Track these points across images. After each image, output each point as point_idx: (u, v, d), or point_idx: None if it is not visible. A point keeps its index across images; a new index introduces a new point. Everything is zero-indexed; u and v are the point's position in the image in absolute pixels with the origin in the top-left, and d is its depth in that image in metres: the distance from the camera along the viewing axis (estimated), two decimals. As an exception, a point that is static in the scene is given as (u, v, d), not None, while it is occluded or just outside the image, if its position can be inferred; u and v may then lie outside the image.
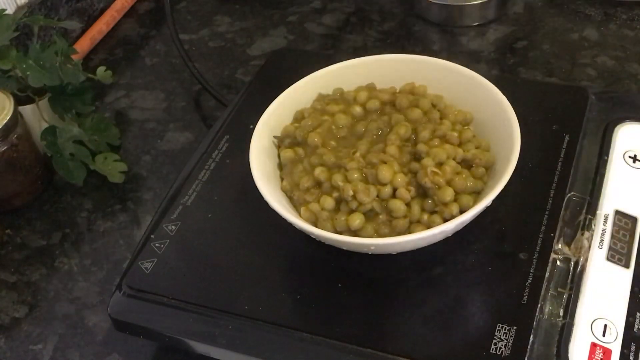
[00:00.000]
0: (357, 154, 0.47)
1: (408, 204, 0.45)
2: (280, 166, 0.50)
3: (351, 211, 0.45)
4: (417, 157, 0.46)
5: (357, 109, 0.50)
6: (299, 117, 0.52)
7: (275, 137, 0.51)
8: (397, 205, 0.44)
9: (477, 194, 0.46)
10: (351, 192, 0.44)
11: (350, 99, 0.51)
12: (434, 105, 0.50)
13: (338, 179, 0.45)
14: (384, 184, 0.45)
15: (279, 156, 0.50)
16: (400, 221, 0.44)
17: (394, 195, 0.45)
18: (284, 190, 0.48)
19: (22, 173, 0.63)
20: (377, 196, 0.45)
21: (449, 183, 0.45)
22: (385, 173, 0.44)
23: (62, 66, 0.63)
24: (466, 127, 0.49)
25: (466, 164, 0.46)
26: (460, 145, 0.47)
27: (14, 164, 0.61)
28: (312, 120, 0.50)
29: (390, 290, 0.45)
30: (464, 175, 0.45)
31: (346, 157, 0.47)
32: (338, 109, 0.51)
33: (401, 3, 0.81)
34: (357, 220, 0.44)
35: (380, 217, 0.45)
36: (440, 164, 0.45)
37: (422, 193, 0.45)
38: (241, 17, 0.84)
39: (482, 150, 0.48)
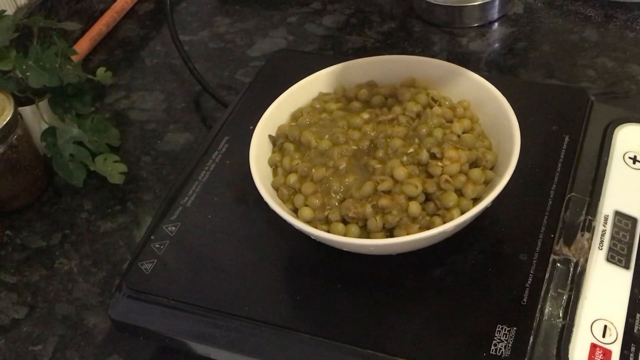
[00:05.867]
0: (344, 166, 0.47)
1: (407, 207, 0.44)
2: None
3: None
4: (422, 161, 0.46)
5: (357, 105, 0.50)
6: (296, 116, 0.52)
7: (270, 135, 0.50)
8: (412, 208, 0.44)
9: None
10: (336, 204, 0.45)
11: (351, 96, 0.51)
12: (434, 100, 0.50)
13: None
14: (396, 182, 0.45)
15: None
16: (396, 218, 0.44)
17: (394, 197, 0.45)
18: (274, 187, 0.48)
19: (22, 174, 0.63)
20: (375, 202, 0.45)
21: (457, 190, 0.45)
22: (399, 171, 0.45)
23: (62, 67, 0.63)
24: (476, 123, 0.49)
25: (473, 165, 0.46)
26: (470, 149, 0.47)
27: (13, 165, 0.61)
28: (309, 118, 0.50)
29: (390, 291, 0.45)
30: (471, 182, 0.45)
31: (340, 157, 0.47)
32: (337, 106, 0.51)
33: (401, 4, 0.81)
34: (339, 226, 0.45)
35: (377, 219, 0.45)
36: (451, 162, 0.45)
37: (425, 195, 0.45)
38: (241, 18, 0.84)
39: (487, 149, 0.48)
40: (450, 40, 0.75)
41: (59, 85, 0.62)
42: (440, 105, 0.50)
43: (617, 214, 0.47)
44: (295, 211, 0.46)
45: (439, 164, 0.45)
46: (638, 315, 0.43)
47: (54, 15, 0.78)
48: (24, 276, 0.59)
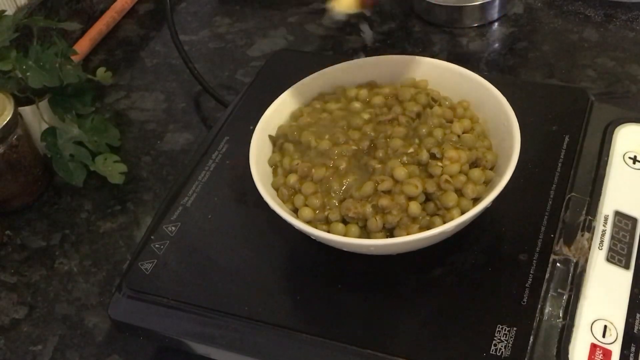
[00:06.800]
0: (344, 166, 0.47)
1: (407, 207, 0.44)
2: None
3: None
4: (422, 161, 0.46)
5: (357, 105, 0.50)
6: (296, 116, 0.52)
7: (270, 135, 0.50)
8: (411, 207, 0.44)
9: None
10: (336, 204, 0.45)
11: (352, 96, 0.52)
12: (434, 100, 0.50)
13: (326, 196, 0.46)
14: (396, 182, 0.45)
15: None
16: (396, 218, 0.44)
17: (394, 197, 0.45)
18: (274, 187, 0.48)
19: (22, 174, 0.63)
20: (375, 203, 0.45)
21: (457, 190, 0.45)
22: (399, 171, 0.45)
23: (62, 67, 0.63)
24: (476, 123, 0.49)
25: (473, 165, 0.46)
26: (470, 149, 0.47)
27: (13, 165, 0.61)
28: (309, 118, 0.50)
29: (390, 291, 0.45)
30: (471, 182, 0.45)
31: (340, 157, 0.47)
32: (337, 106, 0.51)
33: (401, 4, 0.81)
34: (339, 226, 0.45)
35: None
36: (451, 162, 0.45)
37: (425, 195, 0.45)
38: (241, 18, 0.84)
39: (487, 149, 0.48)
40: (450, 40, 0.75)
41: (59, 85, 0.62)
42: (440, 105, 0.50)
43: (617, 214, 0.47)
44: (295, 211, 0.46)
45: (439, 164, 0.45)
46: (638, 315, 0.43)
47: (54, 15, 0.78)
48: (24, 276, 0.59)
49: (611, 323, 0.42)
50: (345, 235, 0.44)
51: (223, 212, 0.51)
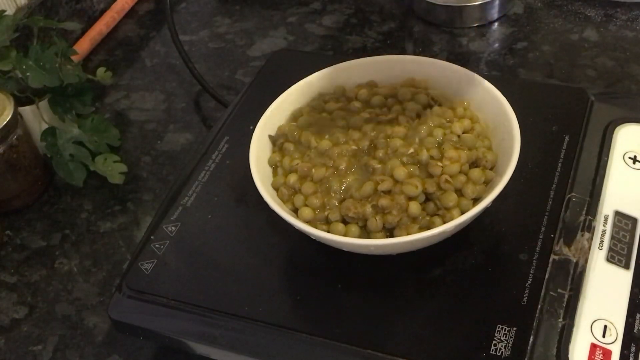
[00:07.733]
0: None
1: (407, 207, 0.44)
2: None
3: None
4: (422, 161, 0.46)
5: (357, 105, 0.50)
6: (296, 116, 0.52)
7: (270, 135, 0.50)
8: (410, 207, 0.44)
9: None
10: (336, 203, 0.45)
11: (351, 96, 0.52)
12: (434, 100, 0.50)
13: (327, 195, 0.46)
14: (395, 182, 0.45)
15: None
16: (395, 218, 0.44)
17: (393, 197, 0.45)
18: (274, 187, 0.48)
19: (22, 174, 0.63)
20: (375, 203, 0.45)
21: (457, 190, 0.45)
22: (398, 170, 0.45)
23: (62, 67, 0.63)
24: (476, 123, 0.49)
25: (473, 165, 0.46)
26: (470, 149, 0.47)
27: (13, 165, 0.61)
28: (309, 118, 0.50)
29: (390, 291, 0.45)
30: (471, 182, 0.45)
31: (340, 157, 0.47)
32: (337, 106, 0.51)
33: (401, 4, 0.81)
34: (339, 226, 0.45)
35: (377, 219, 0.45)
36: (451, 162, 0.45)
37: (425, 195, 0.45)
38: (241, 18, 0.84)
39: (487, 149, 0.48)
40: (450, 40, 0.75)
41: (59, 85, 0.62)
42: (440, 105, 0.50)
43: (617, 214, 0.47)
44: (295, 211, 0.46)
45: (439, 164, 0.45)
46: (638, 315, 0.43)
47: (54, 15, 0.78)
48: (24, 276, 0.59)
49: (611, 323, 0.42)
50: (345, 235, 0.44)
51: (223, 212, 0.51)
